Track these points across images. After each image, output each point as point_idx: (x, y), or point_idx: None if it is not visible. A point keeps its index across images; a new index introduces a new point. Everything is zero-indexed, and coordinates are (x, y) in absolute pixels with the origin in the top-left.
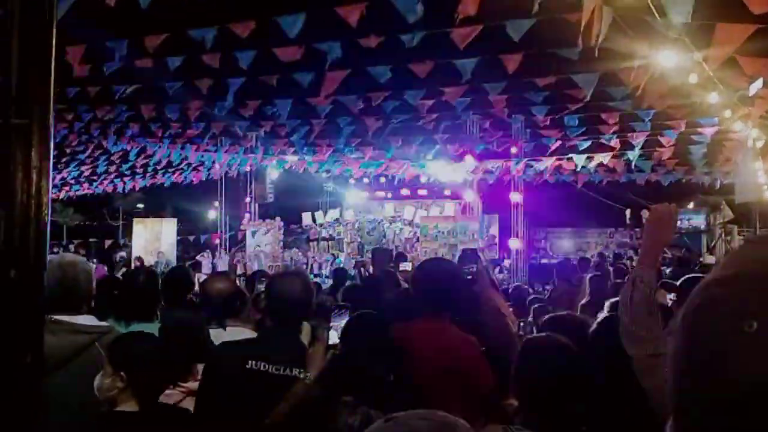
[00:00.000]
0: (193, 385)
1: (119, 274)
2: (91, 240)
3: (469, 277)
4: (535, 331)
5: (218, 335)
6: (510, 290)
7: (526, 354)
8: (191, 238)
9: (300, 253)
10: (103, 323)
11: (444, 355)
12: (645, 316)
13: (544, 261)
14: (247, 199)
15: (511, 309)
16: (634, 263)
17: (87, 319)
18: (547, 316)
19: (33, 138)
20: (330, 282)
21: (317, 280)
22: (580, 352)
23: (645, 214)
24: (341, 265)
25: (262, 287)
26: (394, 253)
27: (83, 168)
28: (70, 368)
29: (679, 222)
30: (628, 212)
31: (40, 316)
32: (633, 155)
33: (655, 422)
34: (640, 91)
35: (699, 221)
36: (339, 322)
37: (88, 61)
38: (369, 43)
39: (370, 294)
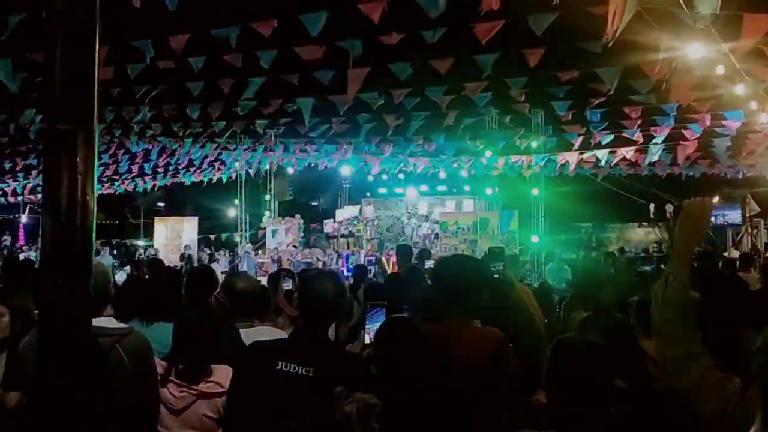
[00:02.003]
0: (205, 386)
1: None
2: (113, 240)
3: (497, 275)
4: None
5: (248, 335)
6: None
7: (558, 354)
8: (212, 236)
9: (319, 251)
10: (123, 325)
11: (472, 352)
12: (678, 315)
13: (564, 256)
14: (267, 197)
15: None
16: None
17: (107, 322)
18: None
19: (78, 144)
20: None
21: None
22: (611, 352)
23: (669, 208)
24: (360, 262)
25: (286, 285)
26: (416, 249)
27: (105, 167)
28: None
29: (713, 218)
30: (651, 206)
31: (86, 323)
32: (656, 149)
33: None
34: (665, 84)
35: (735, 216)
36: (374, 324)
37: (113, 62)
38: (390, 40)
39: (393, 292)
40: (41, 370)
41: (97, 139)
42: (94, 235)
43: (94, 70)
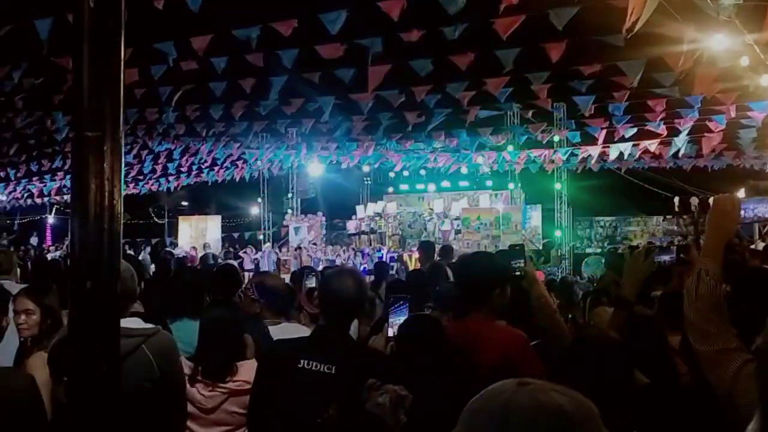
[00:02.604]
0: (234, 385)
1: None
2: (138, 239)
3: (518, 273)
4: None
5: (275, 332)
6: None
7: (576, 351)
8: (236, 234)
9: (341, 248)
10: (149, 325)
11: (494, 350)
12: (711, 310)
13: (588, 251)
14: (289, 195)
15: (558, 301)
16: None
17: (133, 322)
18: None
19: (105, 149)
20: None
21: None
22: (630, 348)
23: (694, 201)
24: (382, 259)
25: (309, 283)
26: (438, 246)
27: (130, 168)
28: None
29: (743, 212)
30: (676, 199)
31: (115, 327)
32: (680, 141)
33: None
34: (689, 76)
35: (764, 209)
36: (396, 318)
37: (136, 63)
38: (411, 37)
39: (415, 289)
40: (72, 372)
41: (122, 145)
42: (120, 239)
43: (120, 77)
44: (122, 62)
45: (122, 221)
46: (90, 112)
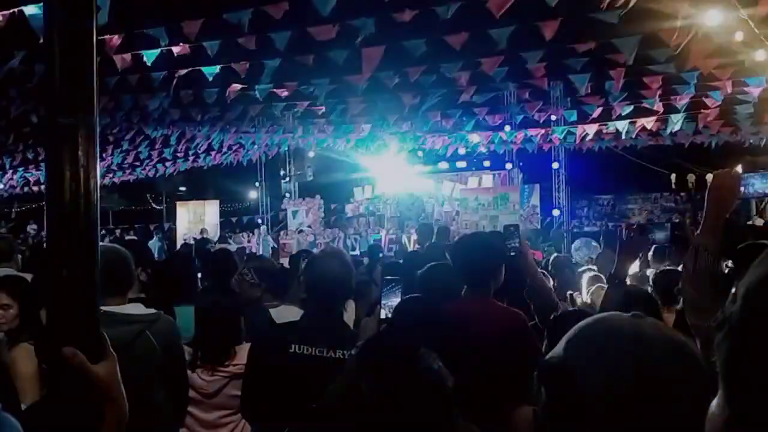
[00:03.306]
0: (234, 368)
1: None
2: (136, 225)
3: (512, 253)
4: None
5: (275, 314)
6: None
7: (555, 329)
8: (234, 219)
9: (339, 231)
10: (151, 310)
11: (493, 329)
12: (710, 287)
13: (587, 229)
14: (287, 179)
15: (555, 280)
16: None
17: (135, 308)
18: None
19: (79, 137)
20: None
21: (353, 254)
22: None
23: (691, 177)
24: (382, 241)
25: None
26: (437, 227)
27: (126, 154)
28: (123, 358)
29: (742, 188)
30: (673, 177)
31: (94, 315)
32: (677, 118)
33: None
34: (684, 52)
35: (763, 185)
36: (389, 300)
37: (127, 49)
38: (403, 17)
39: (411, 270)
40: (49, 362)
41: (97, 131)
42: (98, 227)
43: (93, 61)
44: (94, 46)
45: (99, 209)
46: (63, 98)
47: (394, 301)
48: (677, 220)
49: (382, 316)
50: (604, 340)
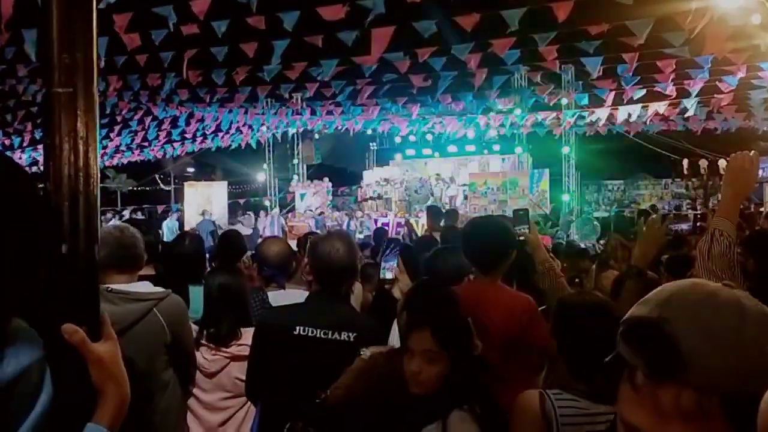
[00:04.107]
0: (236, 349)
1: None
2: (144, 206)
3: (522, 238)
4: None
5: (276, 297)
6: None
7: (561, 313)
8: (242, 201)
9: (346, 214)
10: (160, 288)
11: (502, 313)
12: (723, 271)
13: (596, 214)
14: (295, 161)
15: (564, 265)
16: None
17: (143, 286)
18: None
19: (78, 107)
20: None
21: (359, 238)
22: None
23: (704, 163)
24: (390, 224)
25: None
26: (445, 210)
27: (134, 135)
28: (132, 336)
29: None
30: (685, 162)
31: (94, 291)
32: (690, 103)
33: None
34: (699, 35)
35: None
36: (388, 262)
37: (136, 29)
38: None
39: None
40: (47, 338)
41: (97, 102)
42: (98, 201)
43: (93, 29)
44: (95, 13)
45: (99, 182)
46: (60, 67)
47: (392, 264)
48: (700, 213)
49: (382, 275)
50: (707, 301)
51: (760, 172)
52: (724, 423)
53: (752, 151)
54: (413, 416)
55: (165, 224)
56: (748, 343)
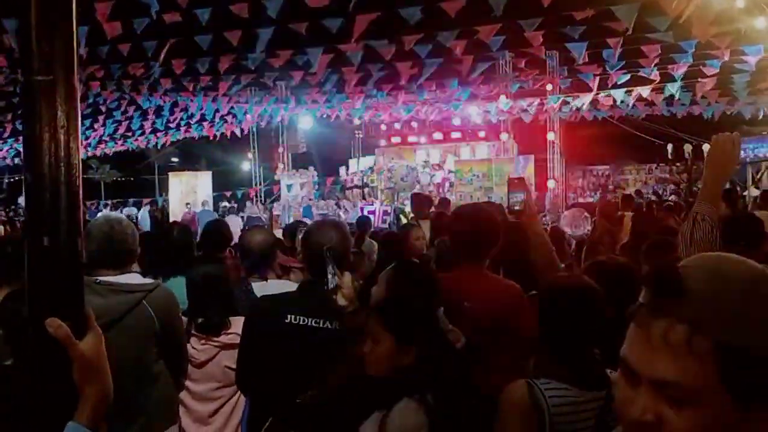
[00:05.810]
0: (227, 338)
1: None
2: (129, 198)
3: (517, 208)
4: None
5: (262, 288)
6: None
7: (547, 297)
8: (228, 193)
9: (333, 203)
10: (149, 280)
11: (488, 301)
12: None
13: (581, 200)
14: (280, 150)
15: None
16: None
17: (132, 278)
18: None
19: (58, 96)
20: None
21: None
22: (604, 294)
23: (688, 148)
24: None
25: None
26: (435, 198)
27: (118, 125)
28: (121, 328)
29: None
30: (669, 147)
31: (78, 286)
32: (674, 87)
33: None
34: (684, 20)
35: (763, 150)
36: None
37: (118, 18)
38: None
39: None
40: (25, 331)
41: (78, 91)
42: (80, 191)
43: (73, 14)
44: (74, 0)
45: (81, 172)
46: (39, 54)
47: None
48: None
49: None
50: (731, 258)
51: (742, 153)
52: (713, 366)
53: (734, 133)
54: (367, 401)
55: (139, 214)
56: (757, 297)
